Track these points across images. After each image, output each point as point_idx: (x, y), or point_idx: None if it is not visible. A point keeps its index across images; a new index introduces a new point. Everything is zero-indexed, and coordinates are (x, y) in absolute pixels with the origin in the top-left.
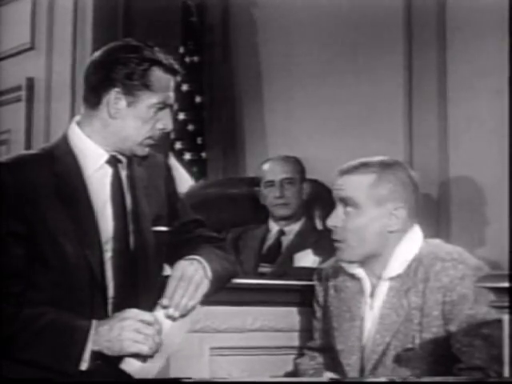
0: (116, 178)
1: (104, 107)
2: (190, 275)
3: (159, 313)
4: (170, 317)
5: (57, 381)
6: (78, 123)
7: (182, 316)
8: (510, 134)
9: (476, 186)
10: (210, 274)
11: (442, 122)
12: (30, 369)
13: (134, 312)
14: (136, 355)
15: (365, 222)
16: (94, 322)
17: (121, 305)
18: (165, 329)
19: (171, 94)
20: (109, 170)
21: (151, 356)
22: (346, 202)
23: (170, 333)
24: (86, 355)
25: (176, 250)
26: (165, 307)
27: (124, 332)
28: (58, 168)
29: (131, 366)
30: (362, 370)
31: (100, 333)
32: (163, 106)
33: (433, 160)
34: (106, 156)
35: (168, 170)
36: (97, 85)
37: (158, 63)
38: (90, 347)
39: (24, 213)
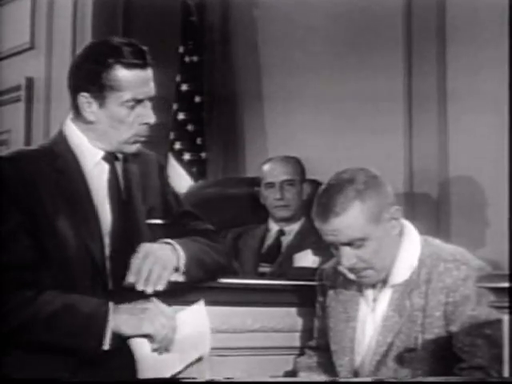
0: (113, 173)
1: (81, 111)
2: (156, 253)
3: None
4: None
5: (56, 381)
6: (72, 120)
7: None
8: (509, 134)
9: (476, 185)
10: (182, 254)
11: (441, 122)
12: (49, 353)
13: (157, 301)
14: (150, 338)
15: (377, 243)
16: (111, 304)
17: (119, 297)
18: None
19: (144, 88)
20: (106, 166)
21: (163, 349)
22: (350, 243)
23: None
24: (108, 333)
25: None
26: (131, 284)
27: (147, 312)
28: (59, 164)
29: (142, 350)
30: (354, 372)
31: (119, 311)
32: (135, 101)
33: (433, 160)
34: (102, 153)
35: (160, 165)
36: (71, 90)
37: (120, 61)
38: (111, 325)
39: (28, 205)
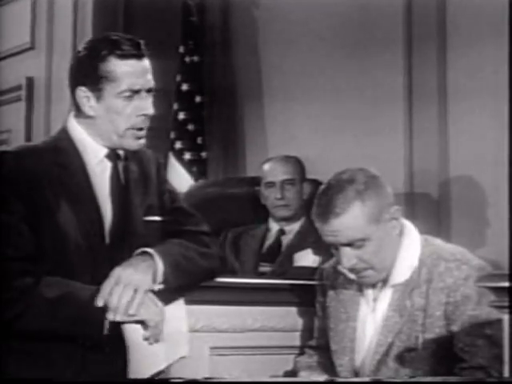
0: (115, 172)
1: (80, 106)
2: (127, 278)
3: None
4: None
5: (57, 380)
6: (75, 116)
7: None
8: (509, 134)
9: (476, 185)
10: (160, 265)
11: (442, 122)
12: (48, 341)
13: (149, 292)
14: (143, 324)
15: (378, 244)
16: None
17: None
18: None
19: (141, 79)
20: (108, 164)
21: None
22: (350, 243)
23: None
24: (107, 319)
25: (164, 239)
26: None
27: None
28: (62, 159)
29: (135, 338)
30: (355, 372)
31: None
32: (132, 92)
33: (433, 160)
34: (105, 150)
35: (158, 163)
36: (70, 86)
37: (114, 52)
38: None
39: (31, 199)
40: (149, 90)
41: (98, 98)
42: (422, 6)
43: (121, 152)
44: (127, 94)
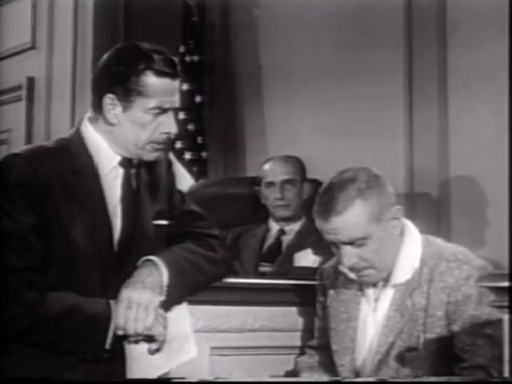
0: (127, 179)
1: (104, 112)
2: (137, 299)
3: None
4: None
5: (56, 381)
6: (90, 120)
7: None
8: (509, 134)
9: (476, 185)
10: (165, 276)
11: (442, 121)
12: (53, 352)
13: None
14: (152, 340)
15: (378, 243)
16: (113, 303)
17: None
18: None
19: (171, 98)
20: (120, 171)
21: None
22: (351, 242)
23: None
24: (110, 335)
25: (171, 242)
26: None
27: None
28: (75, 165)
29: (137, 350)
30: (355, 371)
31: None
32: (161, 110)
33: (433, 160)
34: (118, 158)
35: (169, 165)
36: (96, 90)
37: (152, 68)
38: (114, 327)
39: (42, 206)
40: (174, 109)
41: (125, 109)
42: (422, 5)
43: (134, 161)
44: (156, 111)
